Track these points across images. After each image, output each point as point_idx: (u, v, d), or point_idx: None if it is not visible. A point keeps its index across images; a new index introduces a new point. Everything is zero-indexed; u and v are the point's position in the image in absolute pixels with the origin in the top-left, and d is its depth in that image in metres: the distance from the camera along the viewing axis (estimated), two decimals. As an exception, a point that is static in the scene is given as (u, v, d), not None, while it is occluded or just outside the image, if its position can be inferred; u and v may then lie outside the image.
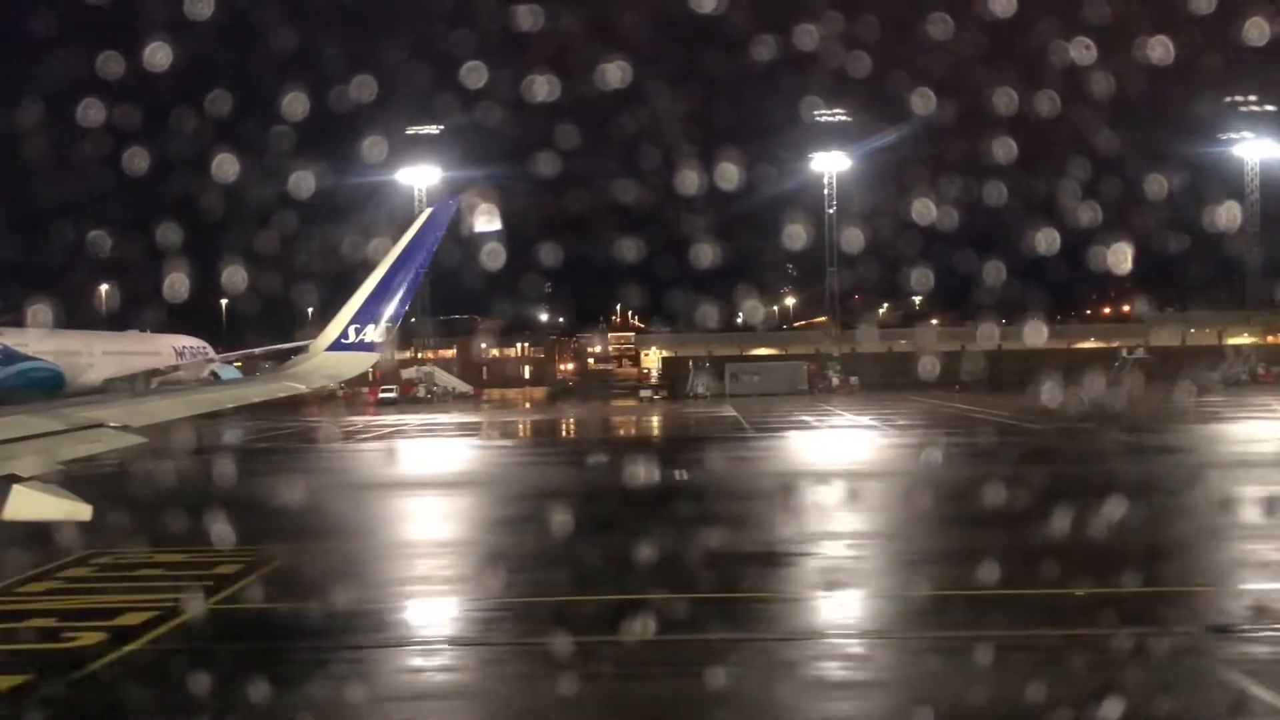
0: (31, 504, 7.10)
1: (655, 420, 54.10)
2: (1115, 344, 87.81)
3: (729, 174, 52.68)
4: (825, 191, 78.00)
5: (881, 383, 73.06)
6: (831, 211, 78.66)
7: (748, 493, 25.46)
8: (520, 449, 42.14)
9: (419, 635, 13.55)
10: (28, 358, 60.43)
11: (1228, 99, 76.01)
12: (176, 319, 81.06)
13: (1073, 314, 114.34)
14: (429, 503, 26.15)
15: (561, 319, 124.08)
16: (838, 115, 75.52)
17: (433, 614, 14.61)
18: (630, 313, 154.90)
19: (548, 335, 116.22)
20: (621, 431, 49.72)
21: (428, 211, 13.37)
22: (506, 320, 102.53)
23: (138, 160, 41.97)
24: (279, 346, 76.33)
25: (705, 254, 57.88)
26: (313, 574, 16.54)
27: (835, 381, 76.53)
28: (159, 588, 15.51)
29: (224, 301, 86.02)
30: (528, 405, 71.28)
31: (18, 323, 63.19)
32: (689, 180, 53.26)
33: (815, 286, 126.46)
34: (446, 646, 12.93)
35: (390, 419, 56.67)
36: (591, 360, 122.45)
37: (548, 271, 71.36)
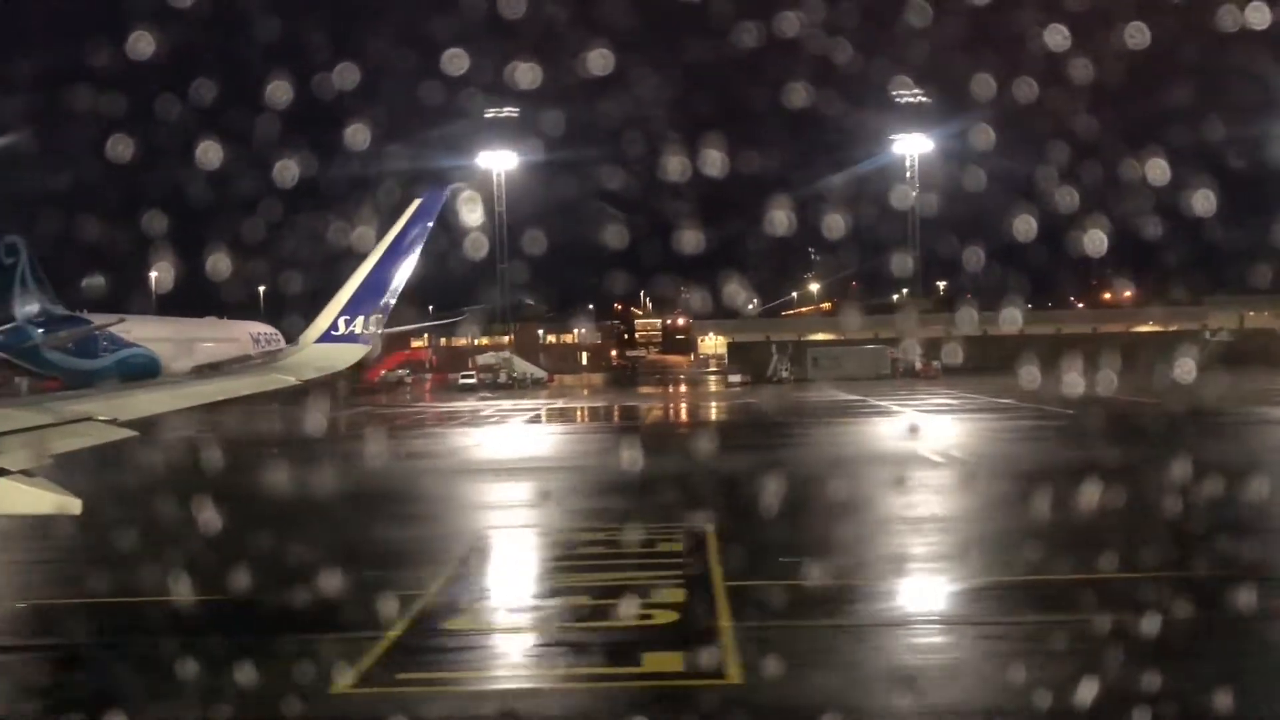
0: (18, 498, 7.00)
1: (799, 405, 51.21)
2: (1173, 327, 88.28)
3: (784, 161, 51.74)
4: (908, 174, 77.79)
5: (951, 367, 72.82)
6: (914, 194, 78.53)
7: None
8: (753, 433, 38.44)
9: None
10: (129, 344, 60.15)
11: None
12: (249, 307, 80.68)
13: (1105, 298, 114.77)
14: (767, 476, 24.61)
15: (592, 305, 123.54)
16: (918, 96, 75.22)
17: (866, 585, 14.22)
18: (648, 299, 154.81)
19: (607, 321, 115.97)
20: (807, 415, 45.85)
21: (416, 202, 13.20)
22: (532, 305, 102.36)
23: (199, 145, 40.88)
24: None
25: (738, 239, 56.72)
26: (767, 545, 16.23)
27: (918, 365, 76.36)
28: (647, 564, 15.23)
29: (262, 289, 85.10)
30: (625, 391, 70.57)
31: (97, 306, 62.85)
32: (735, 167, 51.58)
33: (838, 271, 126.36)
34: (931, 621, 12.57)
35: (507, 404, 56.18)
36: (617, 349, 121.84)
37: (581, 256, 71.04)
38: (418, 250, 13.11)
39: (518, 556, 15.98)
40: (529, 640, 11.92)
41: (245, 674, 10.62)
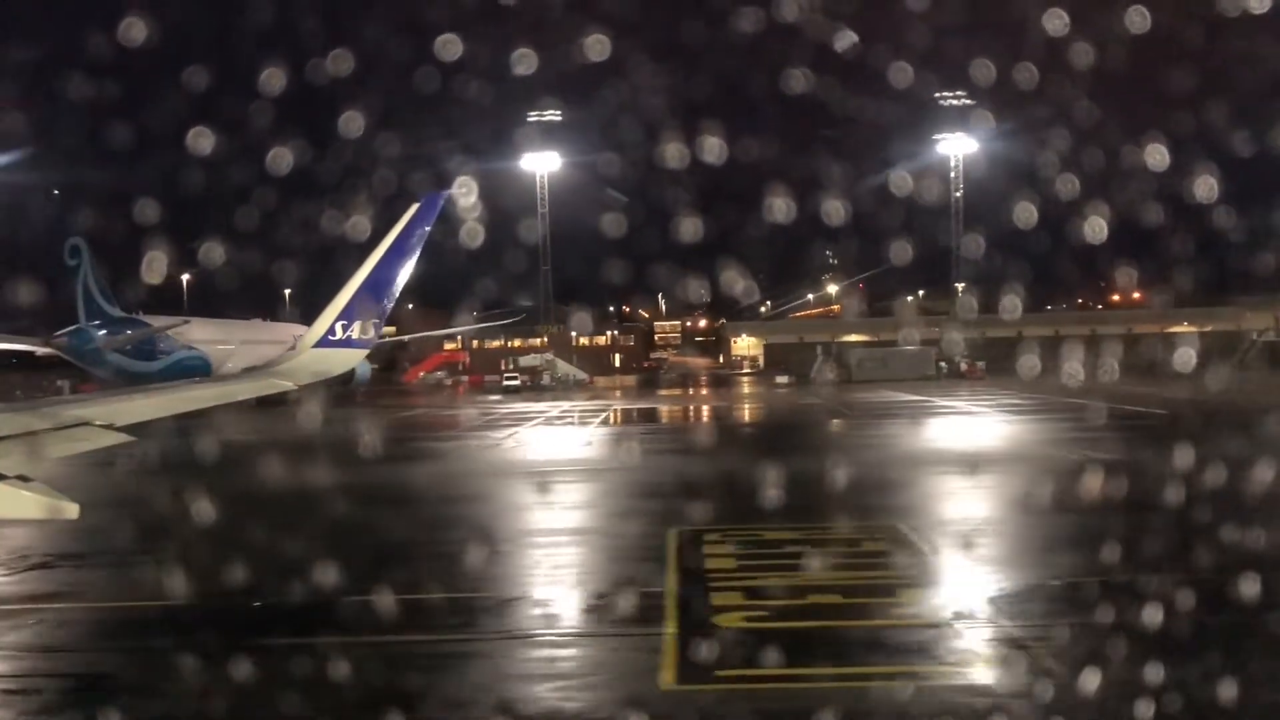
0: (15, 502, 6.99)
1: (868, 405, 50.42)
2: (1208, 327, 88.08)
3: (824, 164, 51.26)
4: (952, 175, 77.81)
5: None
6: (958, 195, 78.55)
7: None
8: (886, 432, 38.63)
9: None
10: (184, 347, 60.32)
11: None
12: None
13: (1133, 297, 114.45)
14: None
15: (611, 308, 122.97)
16: (962, 99, 75.22)
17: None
18: (664, 301, 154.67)
19: (638, 324, 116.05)
20: (888, 416, 44.67)
21: (415, 206, 13.11)
22: (565, 308, 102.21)
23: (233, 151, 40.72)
24: (406, 335, 75.99)
25: (757, 240, 56.07)
26: (971, 544, 16.20)
27: (963, 366, 76.33)
28: (865, 564, 15.24)
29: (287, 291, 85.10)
30: (674, 392, 70.46)
31: (146, 308, 62.95)
32: (757, 170, 50.97)
33: (865, 272, 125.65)
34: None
35: (565, 405, 56.14)
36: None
37: (597, 257, 71.09)
38: (417, 253, 13.07)
39: (730, 554, 15.90)
40: (809, 637, 11.85)
41: (561, 667, 10.67)
